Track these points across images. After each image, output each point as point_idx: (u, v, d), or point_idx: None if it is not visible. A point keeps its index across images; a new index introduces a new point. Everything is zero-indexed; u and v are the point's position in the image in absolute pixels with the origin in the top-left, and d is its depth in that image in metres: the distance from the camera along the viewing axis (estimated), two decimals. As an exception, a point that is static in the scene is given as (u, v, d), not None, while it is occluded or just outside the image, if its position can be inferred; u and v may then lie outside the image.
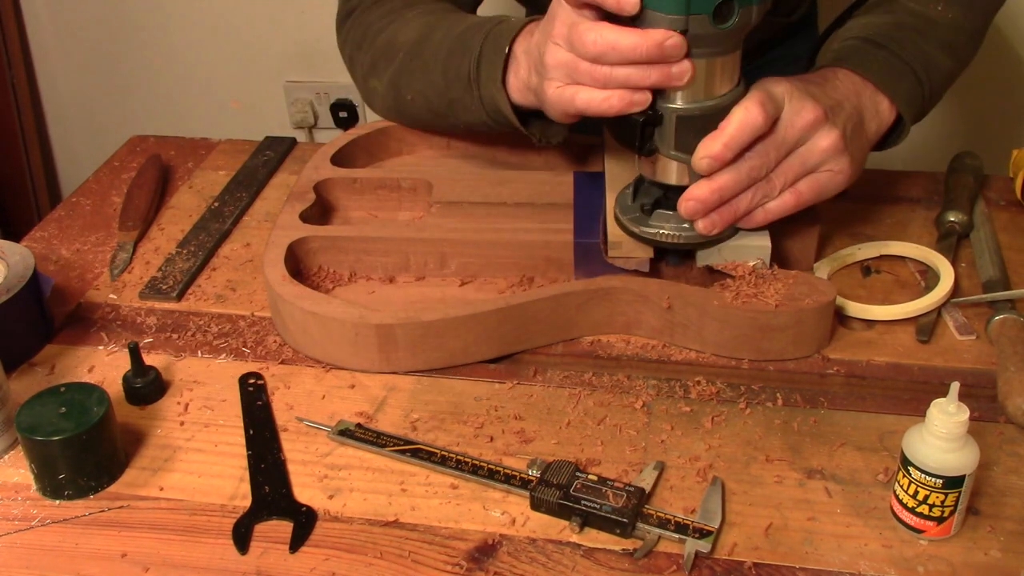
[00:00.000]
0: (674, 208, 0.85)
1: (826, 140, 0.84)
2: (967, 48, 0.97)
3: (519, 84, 0.88)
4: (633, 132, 0.80)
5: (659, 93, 0.79)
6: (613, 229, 0.89)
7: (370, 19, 1.04)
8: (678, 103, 0.79)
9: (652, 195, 0.87)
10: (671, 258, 0.89)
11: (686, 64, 0.76)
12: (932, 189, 1.08)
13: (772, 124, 0.81)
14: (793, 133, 0.83)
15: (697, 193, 0.82)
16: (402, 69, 0.99)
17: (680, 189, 0.83)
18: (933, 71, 0.92)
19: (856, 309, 0.89)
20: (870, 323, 0.89)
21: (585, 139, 1.05)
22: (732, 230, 0.86)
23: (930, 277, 0.93)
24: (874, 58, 0.90)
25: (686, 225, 0.85)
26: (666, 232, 0.85)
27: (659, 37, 0.74)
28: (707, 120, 0.80)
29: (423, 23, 0.99)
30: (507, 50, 0.87)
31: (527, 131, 0.91)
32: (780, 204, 0.85)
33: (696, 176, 0.82)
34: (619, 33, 0.75)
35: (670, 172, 0.84)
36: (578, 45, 0.77)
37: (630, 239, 0.87)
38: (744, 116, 0.79)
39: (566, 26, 0.78)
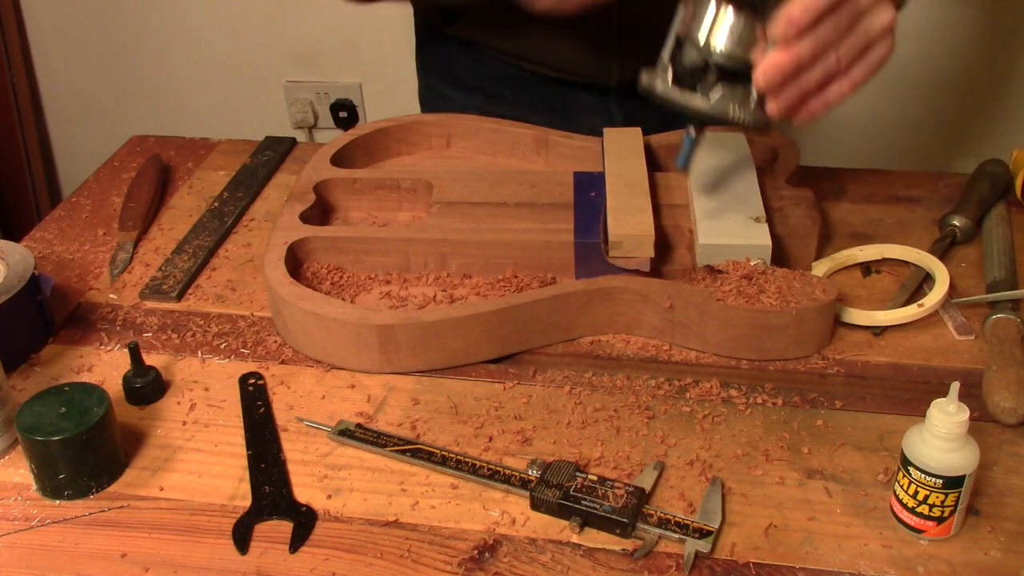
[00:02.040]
0: (713, 83, 0.79)
1: (886, 16, 0.78)
2: None
3: None
4: None
5: None
6: (614, 229, 0.89)
7: None
8: None
9: (691, 75, 0.81)
10: (697, 125, 0.83)
11: None
12: (932, 189, 1.08)
13: None
14: (862, 4, 0.77)
15: (775, 59, 0.75)
16: None
17: (743, 64, 0.78)
18: None
19: (853, 315, 0.89)
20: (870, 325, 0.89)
21: (585, 139, 1.05)
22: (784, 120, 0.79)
23: (912, 279, 0.93)
24: None
25: (752, 100, 0.79)
26: (736, 109, 0.79)
27: None
28: None
29: None
30: None
31: None
32: (838, 91, 0.79)
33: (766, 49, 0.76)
34: None
35: (745, 40, 0.77)
36: None
37: (631, 239, 0.87)
38: None
39: None
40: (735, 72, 0.79)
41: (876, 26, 0.78)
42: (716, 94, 0.80)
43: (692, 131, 0.84)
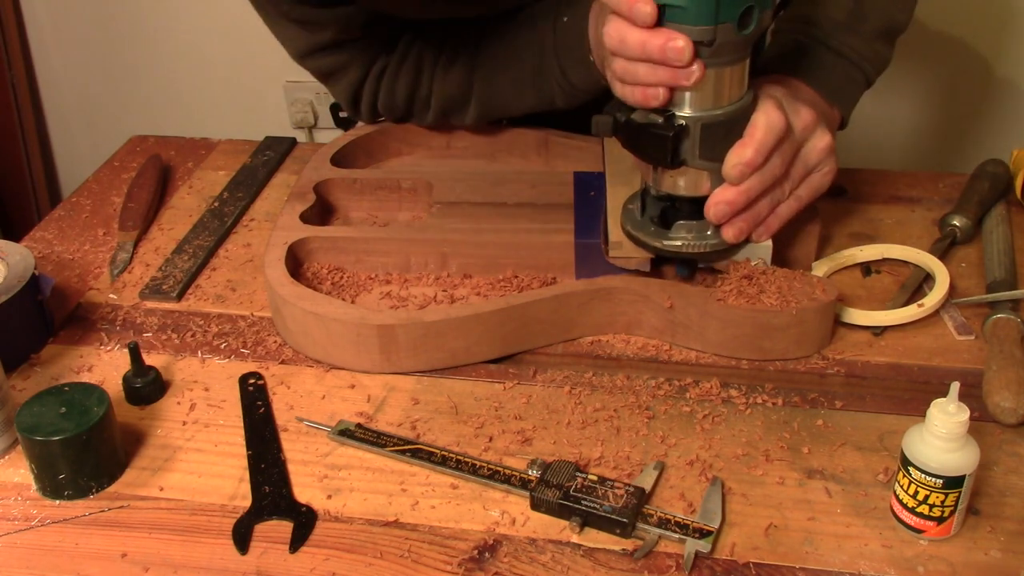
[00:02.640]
0: (685, 218, 0.85)
1: (822, 141, 0.86)
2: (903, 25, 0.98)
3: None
4: (659, 147, 0.79)
5: (679, 104, 0.79)
6: (614, 229, 0.89)
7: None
8: (700, 111, 0.79)
9: (659, 207, 0.86)
10: (681, 269, 0.88)
11: (695, 68, 0.76)
12: (932, 189, 1.08)
13: (789, 127, 0.82)
14: (800, 135, 0.84)
15: (725, 196, 0.82)
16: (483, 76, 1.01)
17: (696, 199, 0.83)
18: (880, 65, 0.96)
19: (853, 315, 0.89)
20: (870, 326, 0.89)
21: (585, 139, 1.05)
22: (745, 240, 0.86)
23: (912, 280, 0.93)
24: (828, 67, 0.92)
25: (708, 233, 0.85)
26: (691, 243, 0.85)
27: (661, 39, 0.74)
28: (730, 126, 0.80)
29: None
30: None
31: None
32: (787, 209, 0.87)
33: (717, 183, 0.82)
34: (629, 30, 0.76)
35: (692, 182, 0.83)
36: (603, 37, 0.79)
37: (631, 239, 0.87)
38: (768, 120, 0.80)
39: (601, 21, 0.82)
40: (694, 205, 0.84)
41: (816, 151, 0.86)
42: (675, 233, 0.86)
43: (680, 268, 0.89)
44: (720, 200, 0.82)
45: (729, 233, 0.84)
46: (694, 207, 0.84)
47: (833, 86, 0.92)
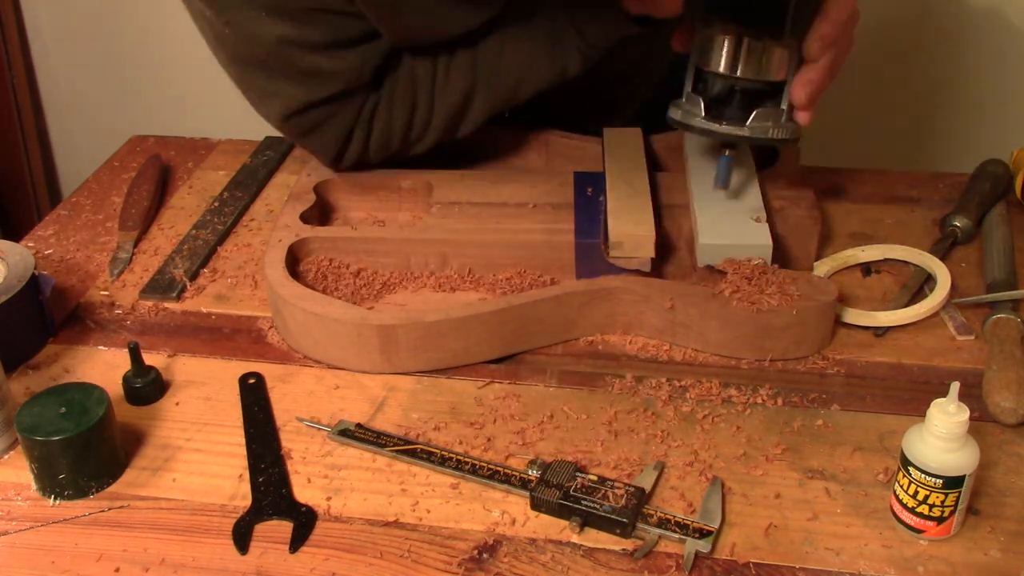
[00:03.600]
0: (759, 105, 0.83)
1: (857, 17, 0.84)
2: None
3: None
4: (777, 9, 0.77)
5: None
6: (615, 229, 0.89)
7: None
8: None
9: (718, 102, 0.84)
10: (723, 168, 0.87)
11: None
12: (932, 189, 1.08)
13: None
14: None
15: (811, 76, 0.81)
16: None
17: (770, 85, 0.83)
18: None
19: (853, 315, 0.89)
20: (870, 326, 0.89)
21: (585, 139, 1.05)
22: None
23: (914, 280, 0.93)
24: None
25: (783, 120, 0.84)
26: (774, 128, 0.84)
27: None
28: None
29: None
30: None
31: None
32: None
33: (795, 66, 0.82)
34: None
35: (773, 64, 0.82)
36: None
37: (632, 238, 0.87)
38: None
39: None
40: (761, 92, 0.83)
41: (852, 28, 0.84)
42: (752, 118, 0.83)
43: (728, 152, 0.87)
44: (807, 80, 0.82)
45: (806, 117, 0.83)
46: (758, 97, 0.83)
47: None
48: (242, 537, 0.71)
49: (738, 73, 0.82)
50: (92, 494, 0.75)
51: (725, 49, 0.82)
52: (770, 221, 0.90)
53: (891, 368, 0.85)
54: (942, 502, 0.67)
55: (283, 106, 0.92)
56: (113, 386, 0.83)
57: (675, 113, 0.87)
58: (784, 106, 0.84)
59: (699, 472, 0.75)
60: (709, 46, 0.83)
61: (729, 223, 0.89)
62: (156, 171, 1.13)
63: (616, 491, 0.71)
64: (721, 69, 0.83)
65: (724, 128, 0.84)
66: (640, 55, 1.08)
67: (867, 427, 0.79)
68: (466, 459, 0.75)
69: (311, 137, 0.95)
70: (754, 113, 0.83)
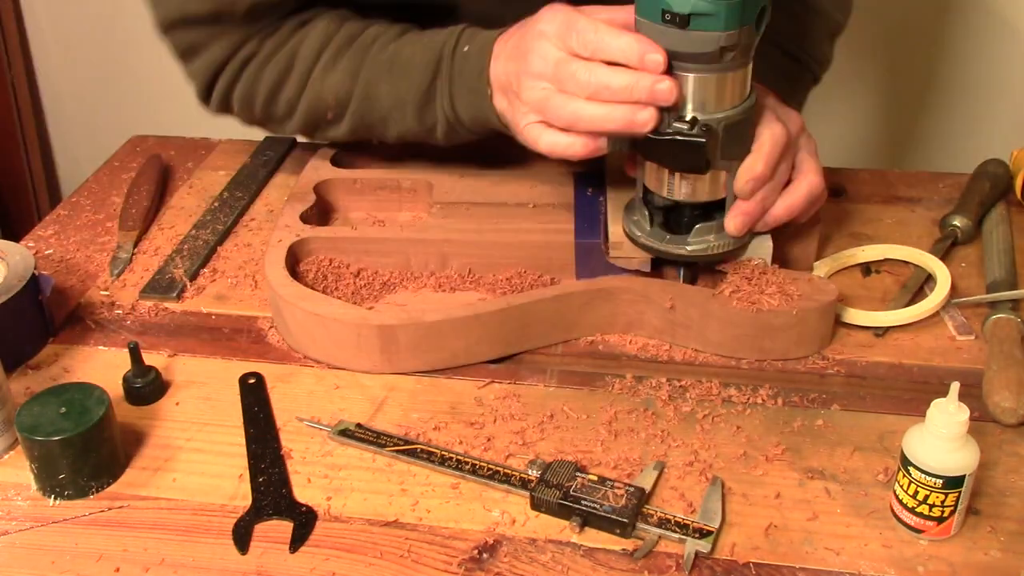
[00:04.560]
0: (701, 221, 0.85)
1: (812, 143, 0.89)
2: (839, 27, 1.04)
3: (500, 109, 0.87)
4: (695, 154, 0.79)
5: (699, 107, 0.79)
6: (615, 229, 0.89)
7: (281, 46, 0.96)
8: (721, 112, 0.79)
9: (668, 213, 0.86)
10: (685, 274, 0.88)
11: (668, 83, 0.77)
12: (932, 189, 1.08)
13: (790, 135, 0.85)
14: (797, 139, 0.87)
15: (744, 208, 0.83)
16: (371, 63, 0.94)
17: (711, 203, 0.84)
18: (826, 65, 1.01)
19: (853, 315, 0.89)
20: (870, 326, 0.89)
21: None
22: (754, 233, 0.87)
23: (914, 280, 0.93)
24: (783, 70, 0.97)
25: (723, 234, 0.86)
26: (714, 244, 0.85)
27: (648, 81, 0.76)
28: (746, 124, 0.81)
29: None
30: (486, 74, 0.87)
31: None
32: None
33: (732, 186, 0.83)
34: (612, 73, 0.77)
35: (712, 186, 0.83)
36: (563, 80, 0.78)
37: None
38: (773, 133, 0.82)
39: (551, 63, 0.79)
40: (705, 207, 0.85)
41: (805, 153, 0.87)
42: (693, 234, 0.85)
43: (681, 273, 0.89)
44: (739, 213, 0.83)
45: (735, 231, 0.85)
46: (702, 209, 0.85)
47: (788, 88, 0.95)
48: (242, 537, 0.71)
49: (675, 196, 0.84)
50: (92, 494, 0.75)
51: (660, 174, 0.84)
52: (770, 221, 0.90)
53: (891, 368, 0.85)
54: (942, 502, 0.67)
55: (163, 13, 0.95)
56: (113, 386, 0.83)
57: (626, 222, 0.88)
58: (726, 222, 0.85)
59: (699, 472, 0.75)
60: (649, 168, 0.85)
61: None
62: (156, 171, 1.13)
63: (616, 491, 0.71)
64: (662, 192, 0.85)
65: (664, 246, 0.86)
66: None
67: (867, 427, 0.79)
68: (466, 459, 0.75)
69: (186, 59, 0.99)
70: (695, 229, 0.85)
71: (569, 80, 0.78)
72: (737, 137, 0.81)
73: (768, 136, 0.82)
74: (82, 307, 0.95)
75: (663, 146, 0.79)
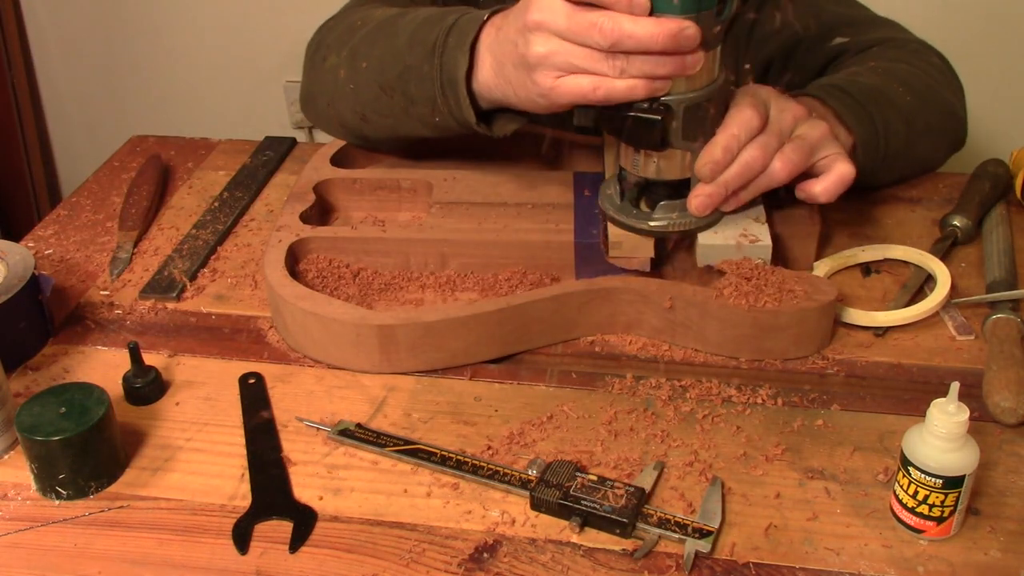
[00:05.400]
0: (666, 198, 0.87)
1: (818, 130, 0.86)
2: (921, 135, 1.02)
3: (484, 79, 0.86)
4: (648, 131, 0.80)
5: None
6: (614, 229, 0.89)
7: (349, 16, 1.03)
8: (682, 94, 0.81)
9: (639, 190, 0.88)
10: (675, 262, 0.89)
11: (700, 54, 0.78)
12: (932, 189, 1.08)
13: (765, 121, 0.84)
14: (786, 125, 0.85)
15: (705, 191, 0.84)
16: (368, 36, 0.97)
17: (678, 181, 0.86)
18: (891, 133, 0.97)
19: (853, 315, 0.89)
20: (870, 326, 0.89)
21: (584, 139, 1.05)
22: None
23: (914, 280, 0.93)
24: (838, 98, 0.95)
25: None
26: (676, 222, 0.86)
27: (674, 27, 0.75)
28: (707, 107, 0.82)
29: (399, 9, 0.99)
30: (470, 46, 0.86)
31: (476, 126, 0.89)
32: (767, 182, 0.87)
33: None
34: (635, 22, 0.75)
35: (675, 165, 0.85)
36: (586, 35, 0.77)
37: (631, 239, 0.87)
38: (740, 116, 0.82)
39: (561, 15, 0.77)
40: (672, 185, 0.86)
41: (812, 137, 0.86)
42: (656, 210, 0.87)
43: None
44: (698, 194, 0.84)
45: (697, 210, 0.85)
46: (674, 188, 0.86)
47: (850, 115, 0.94)
48: (242, 537, 0.71)
49: (641, 173, 0.86)
50: (92, 494, 0.75)
51: (627, 151, 0.86)
52: (770, 221, 0.90)
53: (891, 368, 0.85)
54: (942, 502, 0.67)
55: None
56: (113, 386, 0.83)
57: (601, 197, 0.91)
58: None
59: (699, 472, 0.75)
60: (622, 145, 0.87)
61: (729, 223, 0.89)
62: (156, 171, 1.13)
63: (616, 491, 0.71)
64: (631, 169, 0.87)
65: (628, 220, 0.87)
66: None
67: (867, 427, 0.79)
68: (466, 459, 0.75)
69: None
70: (659, 206, 0.87)
71: (591, 29, 0.76)
72: (699, 119, 0.82)
73: (735, 121, 0.82)
74: (82, 307, 0.95)
75: (622, 122, 0.81)
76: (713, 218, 0.87)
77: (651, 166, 0.85)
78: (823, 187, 0.86)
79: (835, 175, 0.86)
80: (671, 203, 0.87)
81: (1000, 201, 1.03)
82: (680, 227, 0.87)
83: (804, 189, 0.87)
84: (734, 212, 0.88)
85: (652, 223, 0.87)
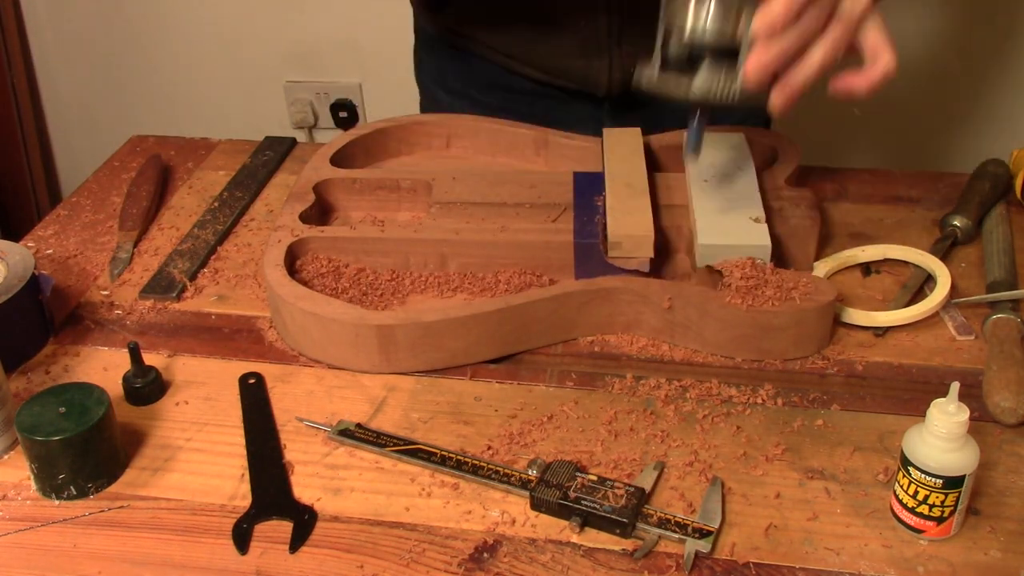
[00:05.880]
0: (712, 64, 0.80)
1: (878, 20, 0.81)
2: None
3: None
4: None
5: None
6: (614, 229, 0.89)
7: None
8: None
9: (681, 56, 0.81)
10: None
11: None
12: (932, 189, 1.08)
13: None
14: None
15: (761, 59, 0.77)
16: None
17: (723, 49, 0.80)
18: None
19: (853, 315, 0.89)
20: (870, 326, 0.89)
21: (585, 139, 1.05)
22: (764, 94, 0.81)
23: (914, 280, 0.93)
24: None
25: (736, 78, 0.80)
26: (718, 88, 0.80)
27: None
28: None
29: None
30: None
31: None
32: (821, 56, 0.80)
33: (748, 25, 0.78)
34: None
35: (730, 26, 0.78)
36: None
37: (631, 239, 0.87)
38: None
39: None
40: (721, 53, 0.79)
41: (857, 9, 0.79)
42: (699, 77, 0.80)
43: (692, 118, 0.84)
44: (757, 61, 0.77)
45: (753, 72, 0.78)
46: (721, 54, 0.80)
47: None
48: (242, 537, 0.71)
49: (691, 31, 0.79)
50: (92, 494, 0.75)
51: (688, 6, 0.79)
52: (770, 221, 0.90)
53: (891, 368, 0.85)
54: (942, 502, 0.67)
55: None
56: (113, 386, 0.83)
57: (637, 74, 0.84)
58: (739, 68, 0.79)
59: (699, 472, 0.75)
60: (674, 2, 0.81)
61: (728, 224, 0.89)
62: (156, 171, 1.13)
63: (616, 491, 0.71)
64: (679, 26, 0.80)
65: (664, 86, 0.81)
66: None
67: (867, 427, 0.79)
68: (466, 459, 0.75)
69: None
70: (701, 73, 0.80)
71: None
72: None
73: None
74: (82, 307, 0.95)
75: None
76: (757, 100, 0.80)
77: (702, 20, 0.78)
78: (869, 83, 0.81)
79: (880, 69, 0.81)
80: (715, 66, 0.79)
81: (1000, 201, 1.03)
82: (723, 95, 0.80)
83: (846, 83, 0.81)
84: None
85: (695, 87, 0.80)
